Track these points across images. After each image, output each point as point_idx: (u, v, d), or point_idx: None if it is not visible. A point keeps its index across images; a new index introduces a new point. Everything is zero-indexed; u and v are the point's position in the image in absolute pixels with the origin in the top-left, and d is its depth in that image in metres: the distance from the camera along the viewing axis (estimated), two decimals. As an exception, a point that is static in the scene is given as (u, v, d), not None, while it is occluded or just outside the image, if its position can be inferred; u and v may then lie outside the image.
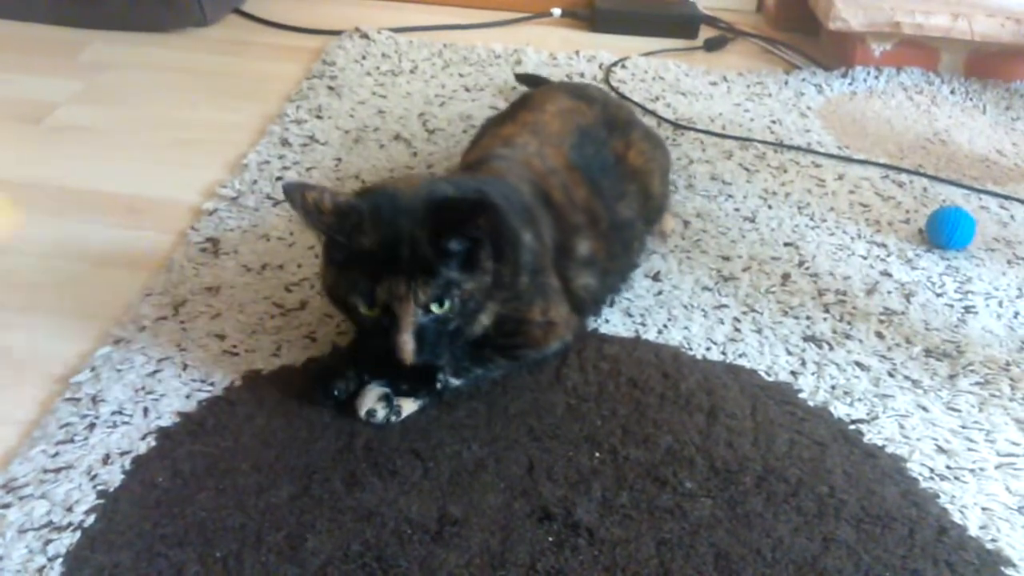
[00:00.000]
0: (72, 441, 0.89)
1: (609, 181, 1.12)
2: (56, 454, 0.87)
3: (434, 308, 0.86)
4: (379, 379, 0.94)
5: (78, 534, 0.79)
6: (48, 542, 0.79)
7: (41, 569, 0.76)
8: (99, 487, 0.84)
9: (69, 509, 0.82)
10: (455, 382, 0.96)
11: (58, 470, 0.86)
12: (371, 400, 0.92)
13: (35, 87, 1.64)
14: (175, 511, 0.82)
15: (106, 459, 0.87)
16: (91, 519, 0.81)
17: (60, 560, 0.77)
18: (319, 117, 1.55)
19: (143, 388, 0.96)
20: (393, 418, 0.92)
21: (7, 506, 0.82)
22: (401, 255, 0.85)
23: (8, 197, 1.32)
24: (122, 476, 0.85)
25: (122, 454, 0.88)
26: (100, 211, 1.30)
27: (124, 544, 0.78)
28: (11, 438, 0.91)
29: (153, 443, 0.89)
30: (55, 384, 0.97)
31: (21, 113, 1.54)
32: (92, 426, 0.91)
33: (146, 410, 0.93)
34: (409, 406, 0.94)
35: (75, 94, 1.62)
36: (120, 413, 0.93)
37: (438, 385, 0.95)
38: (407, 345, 0.85)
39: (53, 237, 1.24)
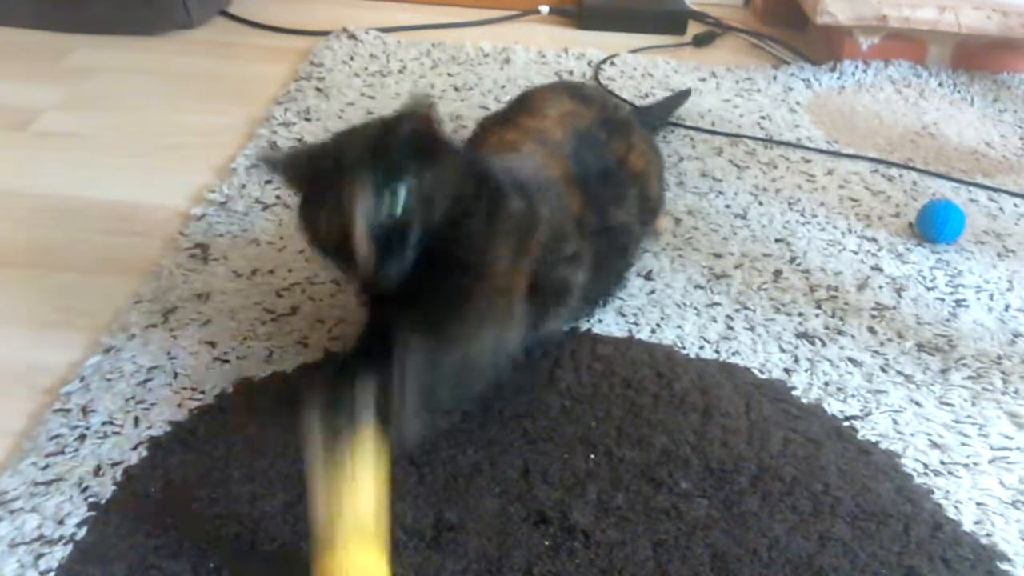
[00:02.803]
0: (63, 453, 0.88)
1: (607, 186, 1.10)
2: (46, 466, 0.86)
3: (391, 200, 0.79)
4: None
5: (70, 547, 0.78)
6: (40, 556, 0.78)
7: (33, 583, 0.76)
8: (90, 499, 0.83)
9: (60, 522, 0.81)
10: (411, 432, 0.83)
11: (49, 483, 0.85)
12: None
13: (19, 93, 1.62)
14: (168, 522, 0.81)
15: (97, 470, 0.86)
16: (83, 532, 0.80)
17: (52, 574, 0.76)
18: (307, 119, 1.54)
19: (133, 397, 0.95)
20: None
21: (-2, 520, 0.81)
22: (345, 164, 0.81)
23: (-7, 205, 1.31)
24: (114, 487, 0.84)
25: (113, 465, 0.87)
26: (87, 218, 1.28)
27: (117, 556, 0.78)
28: (1, 451, 0.90)
29: (145, 453, 0.88)
30: (44, 395, 0.96)
31: (5, 120, 1.52)
32: (83, 437, 0.90)
33: (137, 420, 0.92)
34: None
35: (60, 100, 1.60)
36: (111, 423, 0.92)
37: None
38: (360, 246, 0.78)
39: (39, 245, 1.23)
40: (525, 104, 1.20)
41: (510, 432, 0.93)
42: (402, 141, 0.82)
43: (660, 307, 1.14)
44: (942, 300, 1.19)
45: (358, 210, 0.78)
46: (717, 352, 1.07)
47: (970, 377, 1.06)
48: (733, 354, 1.07)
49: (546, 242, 0.97)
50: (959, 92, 1.80)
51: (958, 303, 1.19)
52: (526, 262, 0.94)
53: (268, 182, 1.35)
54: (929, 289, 1.21)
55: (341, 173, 0.80)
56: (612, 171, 1.12)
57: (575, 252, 1.03)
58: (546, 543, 0.81)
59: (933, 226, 1.30)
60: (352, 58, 1.79)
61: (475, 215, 0.88)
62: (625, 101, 1.67)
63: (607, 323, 1.11)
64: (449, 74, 1.75)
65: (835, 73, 1.84)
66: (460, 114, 1.58)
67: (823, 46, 1.94)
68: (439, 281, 0.86)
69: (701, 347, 1.08)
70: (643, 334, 1.09)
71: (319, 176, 0.83)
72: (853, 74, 1.84)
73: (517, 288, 0.92)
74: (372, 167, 0.79)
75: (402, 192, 0.79)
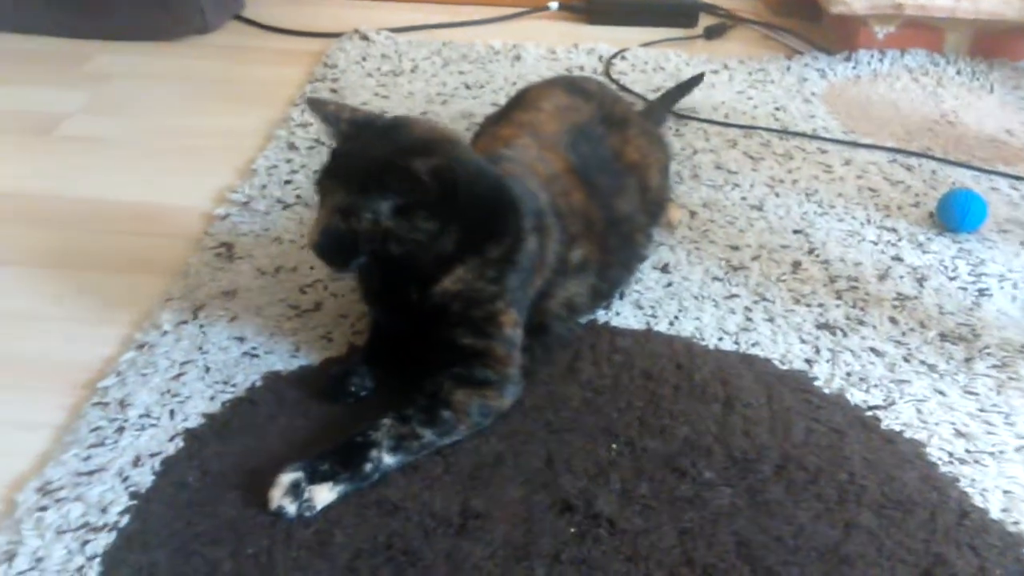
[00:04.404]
0: (103, 444, 0.90)
1: (605, 178, 1.11)
2: (88, 457, 0.89)
3: (352, 221, 0.88)
4: (301, 464, 0.84)
5: (114, 534, 0.81)
6: (86, 543, 0.80)
7: (80, 568, 0.78)
8: (131, 488, 0.86)
9: (104, 510, 0.83)
10: (390, 460, 0.86)
11: (91, 473, 0.87)
12: (278, 494, 0.82)
13: (43, 99, 1.65)
14: (206, 510, 0.83)
15: (136, 461, 0.89)
16: (125, 520, 0.82)
17: (98, 560, 0.79)
18: (325, 119, 1.56)
19: (168, 391, 0.97)
20: (307, 513, 0.82)
21: (44, 508, 0.84)
22: (351, 165, 0.90)
23: (25, 209, 1.34)
24: (153, 477, 0.87)
25: (152, 456, 0.89)
26: (115, 220, 1.31)
27: (159, 543, 0.80)
28: (43, 442, 0.93)
29: (181, 444, 0.90)
30: (82, 390, 0.99)
31: (30, 125, 1.55)
32: (121, 429, 0.92)
33: (172, 412, 0.94)
34: (324, 495, 0.83)
35: (83, 105, 1.63)
36: (147, 416, 0.94)
37: (367, 466, 0.85)
38: (312, 235, 0.90)
39: (70, 247, 1.25)
40: (521, 100, 1.22)
41: (532, 423, 0.94)
42: (394, 182, 0.88)
43: (678, 299, 1.15)
44: (964, 289, 1.19)
45: (321, 219, 0.91)
46: (736, 344, 1.08)
47: (994, 366, 1.06)
48: (753, 345, 1.07)
49: (553, 266, 1.00)
50: (978, 79, 1.79)
51: (981, 292, 1.19)
52: (529, 292, 0.98)
53: (287, 182, 1.37)
54: (951, 279, 1.21)
55: (333, 179, 0.91)
56: (608, 163, 1.13)
57: (582, 258, 1.04)
58: (571, 530, 0.82)
59: (954, 215, 1.30)
60: (365, 59, 1.81)
61: (492, 253, 0.93)
62: (637, 96, 1.68)
63: (625, 316, 1.11)
64: (460, 72, 1.77)
65: (850, 63, 1.83)
66: (472, 112, 1.59)
67: (837, 36, 1.93)
68: (440, 323, 0.93)
69: (720, 339, 1.08)
70: (661, 326, 1.10)
71: (337, 154, 0.94)
72: (869, 63, 1.83)
73: (516, 332, 0.96)
74: (353, 191, 0.89)
75: (364, 221, 0.88)
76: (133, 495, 0.85)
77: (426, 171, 0.87)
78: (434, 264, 0.92)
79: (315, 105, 0.97)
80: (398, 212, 0.88)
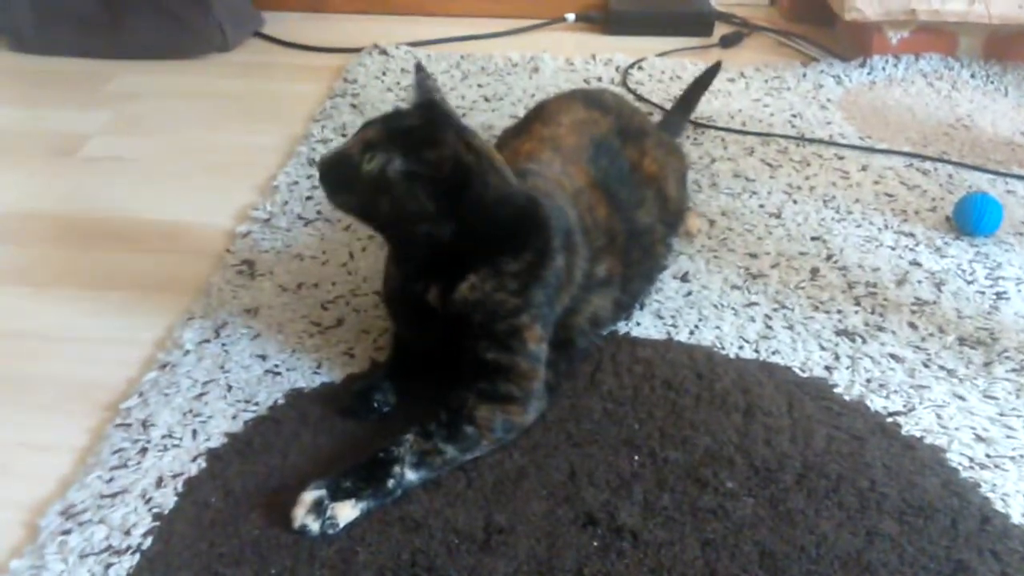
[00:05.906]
0: (125, 466, 0.92)
1: (626, 190, 1.12)
2: (111, 479, 0.90)
3: (366, 157, 0.90)
4: (326, 481, 0.85)
5: (137, 556, 0.82)
6: (109, 566, 0.81)
7: (105, 592, 0.79)
8: (154, 510, 0.87)
9: (127, 532, 0.84)
10: (412, 476, 0.87)
11: (114, 495, 0.88)
12: (301, 512, 0.83)
13: (66, 120, 1.68)
14: (229, 530, 0.84)
15: (159, 482, 0.90)
16: (148, 541, 0.83)
17: (122, 582, 0.80)
18: (344, 135, 1.58)
19: (190, 411, 0.98)
20: (330, 531, 0.83)
21: (67, 532, 0.85)
22: (401, 117, 0.93)
23: (48, 229, 1.36)
24: (176, 498, 0.88)
25: (174, 477, 0.90)
26: (137, 239, 1.33)
27: (182, 565, 0.81)
28: (66, 465, 0.94)
29: (204, 464, 0.92)
30: (104, 411, 1.00)
31: (55, 146, 1.58)
32: (144, 451, 0.94)
33: (195, 432, 0.96)
34: (347, 512, 0.83)
35: (105, 125, 1.66)
36: (170, 436, 0.95)
37: (390, 482, 0.85)
38: (326, 153, 0.95)
39: (93, 266, 1.27)
40: (540, 114, 1.23)
41: (554, 436, 0.94)
42: (420, 144, 0.90)
43: (697, 308, 1.15)
44: (982, 293, 1.18)
45: (344, 144, 0.94)
46: (757, 352, 1.08)
47: (1014, 370, 1.05)
48: (773, 353, 1.07)
49: (580, 282, 1.00)
50: (992, 83, 1.78)
51: (999, 296, 1.18)
52: (556, 309, 0.98)
53: (308, 198, 1.39)
54: (969, 282, 1.20)
55: (380, 121, 0.95)
56: (627, 175, 1.14)
57: (607, 272, 1.05)
58: (595, 544, 0.83)
59: (971, 219, 1.29)
60: (384, 73, 1.83)
61: (509, 266, 0.93)
62: (655, 105, 1.68)
63: (645, 326, 1.12)
64: (479, 85, 1.78)
65: (865, 68, 1.83)
66: (492, 124, 1.60)
67: (852, 42, 1.93)
68: (466, 335, 0.93)
69: (740, 347, 1.09)
70: (682, 336, 1.10)
71: (399, 109, 0.99)
72: (884, 69, 1.83)
73: (541, 347, 0.96)
74: (385, 135, 0.91)
75: (374, 162, 0.90)
76: (156, 517, 0.86)
77: (450, 154, 0.89)
78: (433, 255, 0.92)
79: (419, 68, 0.99)
80: (407, 173, 0.89)
